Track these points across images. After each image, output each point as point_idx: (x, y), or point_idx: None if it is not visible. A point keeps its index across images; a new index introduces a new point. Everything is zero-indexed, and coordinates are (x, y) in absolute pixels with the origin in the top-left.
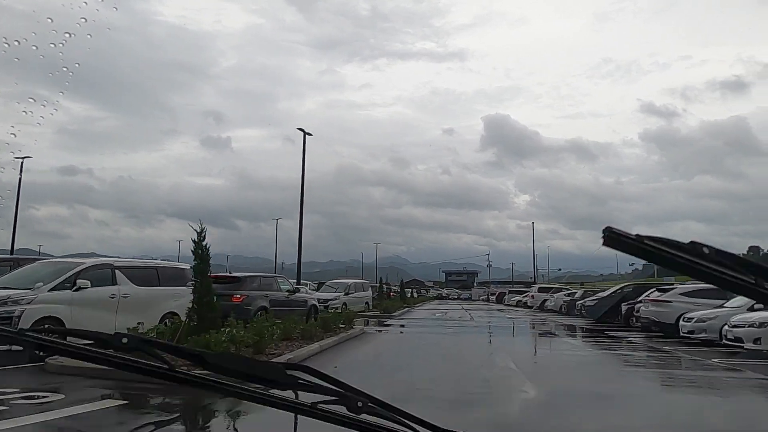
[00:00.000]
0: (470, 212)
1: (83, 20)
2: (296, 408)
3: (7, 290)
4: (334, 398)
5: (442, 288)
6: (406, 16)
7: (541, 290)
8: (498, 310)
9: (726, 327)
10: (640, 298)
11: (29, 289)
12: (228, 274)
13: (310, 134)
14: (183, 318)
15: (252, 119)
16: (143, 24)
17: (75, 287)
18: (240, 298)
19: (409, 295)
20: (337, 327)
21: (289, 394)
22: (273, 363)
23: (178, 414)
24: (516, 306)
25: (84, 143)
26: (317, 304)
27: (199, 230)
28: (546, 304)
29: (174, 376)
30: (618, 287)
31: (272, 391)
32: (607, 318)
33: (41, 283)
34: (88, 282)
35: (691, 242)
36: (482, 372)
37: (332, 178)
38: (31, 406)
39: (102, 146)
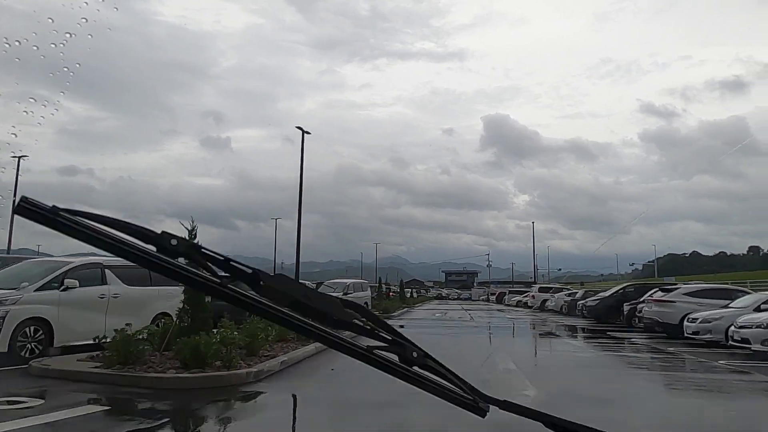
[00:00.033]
0: (470, 212)
1: (84, 20)
2: (353, 350)
3: None
4: (387, 345)
5: (442, 288)
6: (405, 16)
7: (541, 290)
8: (498, 310)
9: (732, 328)
10: (642, 299)
11: (14, 289)
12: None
13: (308, 133)
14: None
15: (252, 119)
16: (143, 24)
17: (63, 287)
18: None
19: (408, 295)
20: None
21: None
22: (330, 295)
23: (164, 420)
24: (516, 306)
25: (84, 143)
26: None
27: (190, 228)
28: (546, 304)
29: (225, 294)
30: (620, 287)
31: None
32: (609, 318)
33: (27, 283)
34: (77, 282)
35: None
36: (483, 374)
37: (332, 178)
38: (10, 412)
39: (102, 146)
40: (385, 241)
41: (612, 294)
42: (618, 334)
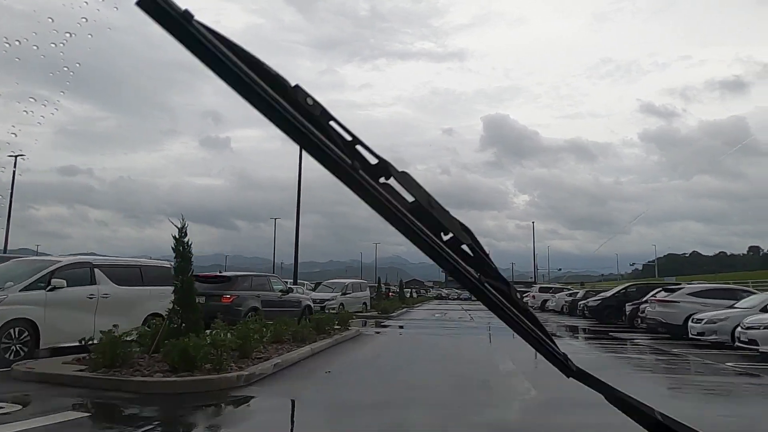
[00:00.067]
0: (470, 212)
1: (84, 20)
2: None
3: None
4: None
5: (442, 288)
6: (404, 16)
7: (541, 290)
8: None
9: (739, 329)
10: (644, 299)
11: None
12: (217, 274)
13: None
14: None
15: (251, 119)
16: (143, 24)
17: (49, 287)
18: (230, 298)
19: (408, 295)
20: (331, 328)
21: None
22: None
23: (147, 428)
24: None
25: (84, 143)
26: (312, 305)
27: (180, 226)
28: (547, 304)
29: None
30: (622, 287)
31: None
32: (611, 319)
33: (12, 283)
34: (64, 281)
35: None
36: (482, 375)
37: (332, 178)
38: None
39: (102, 146)
40: (385, 241)
41: (614, 294)
42: (621, 335)
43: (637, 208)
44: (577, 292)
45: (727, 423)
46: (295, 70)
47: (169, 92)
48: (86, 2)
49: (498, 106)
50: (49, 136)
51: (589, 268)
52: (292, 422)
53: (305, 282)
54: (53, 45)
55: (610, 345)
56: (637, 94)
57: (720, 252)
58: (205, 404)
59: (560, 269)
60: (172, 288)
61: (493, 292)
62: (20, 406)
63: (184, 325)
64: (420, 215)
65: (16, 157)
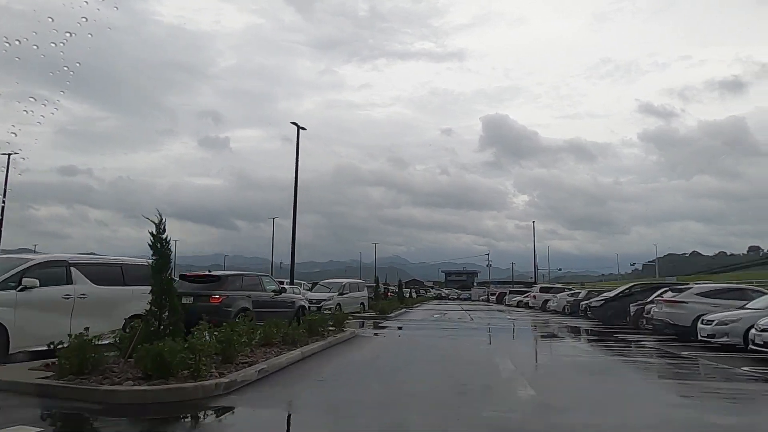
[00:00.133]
0: (469, 212)
1: (84, 20)
2: None
3: None
4: None
5: (442, 288)
6: (404, 16)
7: (542, 290)
8: (498, 310)
9: (753, 331)
10: (650, 299)
11: None
12: (206, 273)
13: (303, 128)
14: None
15: (251, 119)
16: (142, 24)
17: (20, 287)
18: (219, 298)
19: (407, 295)
20: (325, 330)
21: None
22: None
23: None
24: (517, 306)
25: (84, 143)
26: (306, 305)
27: (157, 222)
28: (548, 304)
29: None
30: (625, 287)
31: None
32: (615, 320)
33: None
34: (37, 281)
35: None
36: (483, 379)
37: (331, 178)
38: None
39: (102, 146)
40: (384, 241)
41: (617, 294)
42: (626, 337)
43: (636, 208)
44: (579, 293)
45: None
46: (294, 70)
47: (168, 92)
48: (86, 2)
49: (497, 106)
50: (49, 136)
51: (589, 268)
52: None
53: (302, 282)
54: (53, 45)
55: (616, 347)
56: (636, 94)
57: (720, 252)
58: (175, 416)
59: (560, 269)
60: None
61: None
62: None
63: (162, 327)
64: None
65: (9, 155)
